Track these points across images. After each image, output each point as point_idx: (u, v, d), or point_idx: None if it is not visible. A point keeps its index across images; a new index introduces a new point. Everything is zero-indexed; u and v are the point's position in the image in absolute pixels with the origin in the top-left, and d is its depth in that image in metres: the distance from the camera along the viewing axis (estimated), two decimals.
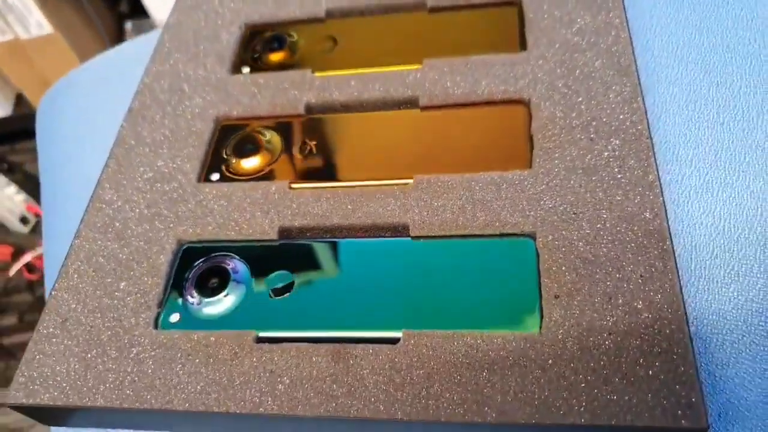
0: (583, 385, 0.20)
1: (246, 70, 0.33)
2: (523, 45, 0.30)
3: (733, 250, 0.24)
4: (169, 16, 0.36)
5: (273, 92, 0.31)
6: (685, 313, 0.21)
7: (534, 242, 0.24)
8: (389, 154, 0.28)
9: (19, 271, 0.91)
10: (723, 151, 0.27)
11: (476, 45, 0.31)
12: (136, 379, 0.23)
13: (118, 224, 0.28)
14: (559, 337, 0.21)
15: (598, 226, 0.24)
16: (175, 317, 0.25)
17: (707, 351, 0.23)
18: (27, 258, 0.88)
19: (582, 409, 0.20)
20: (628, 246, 0.23)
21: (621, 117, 0.26)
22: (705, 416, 0.19)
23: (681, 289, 0.22)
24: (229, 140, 0.30)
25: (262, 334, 0.24)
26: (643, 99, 0.27)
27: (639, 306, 0.21)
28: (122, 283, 0.26)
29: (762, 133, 0.27)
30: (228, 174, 0.29)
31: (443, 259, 0.24)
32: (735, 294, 0.23)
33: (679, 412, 0.19)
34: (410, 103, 0.30)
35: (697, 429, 0.19)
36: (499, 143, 0.27)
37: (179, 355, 0.24)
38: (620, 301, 0.22)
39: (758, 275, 0.24)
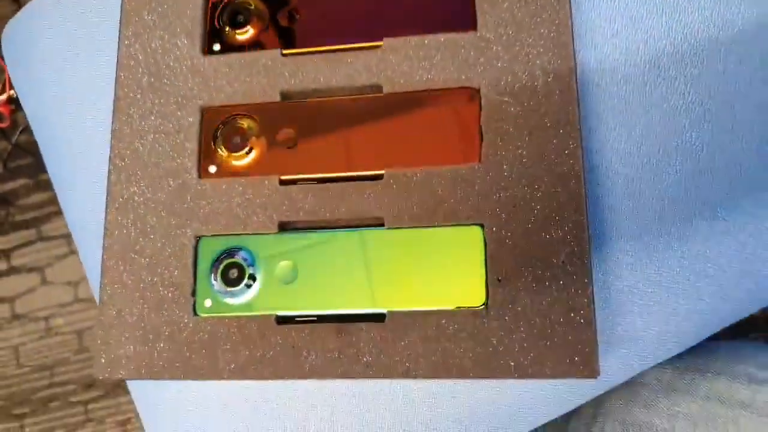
0: (516, 349, 0.29)
1: (217, 47, 0.35)
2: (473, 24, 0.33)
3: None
4: None
5: (246, 76, 0.34)
6: (592, 293, 0.29)
7: (482, 231, 0.31)
8: (358, 144, 0.33)
9: None
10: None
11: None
12: (191, 357, 0.31)
13: (138, 222, 0.33)
14: (501, 313, 0.30)
15: (532, 218, 0.30)
16: (207, 303, 0.32)
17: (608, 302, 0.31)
18: None
19: (514, 366, 0.29)
20: (555, 236, 0.30)
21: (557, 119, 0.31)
22: (597, 368, 0.28)
23: (591, 274, 0.29)
24: (218, 132, 0.34)
25: (280, 313, 0.31)
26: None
27: (561, 284, 0.29)
28: (155, 278, 0.33)
29: None
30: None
31: (411, 247, 0.31)
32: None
33: (581, 367, 0.28)
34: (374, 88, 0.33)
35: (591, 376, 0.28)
36: (453, 134, 0.32)
37: (218, 336, 0.31)
38: (546, 283, 0.30)
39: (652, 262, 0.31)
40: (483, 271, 0.30)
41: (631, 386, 0.38)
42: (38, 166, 1.13)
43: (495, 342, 0.29)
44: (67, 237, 1.08)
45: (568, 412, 0.34)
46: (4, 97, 0.93)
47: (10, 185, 1.17)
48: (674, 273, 0.32)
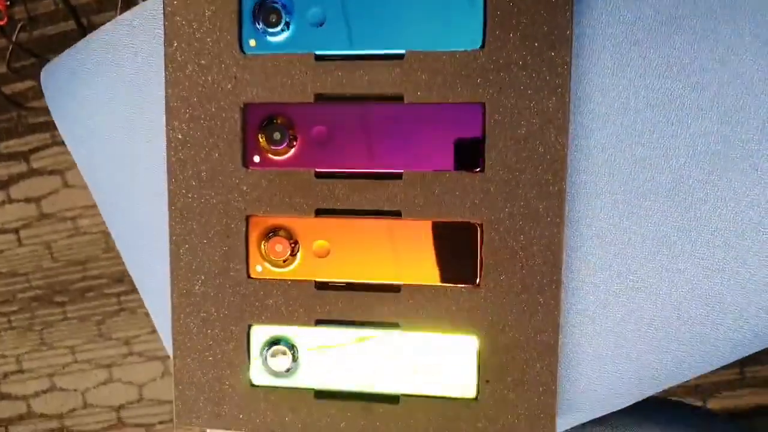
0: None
1: (257, 159, 0.40)
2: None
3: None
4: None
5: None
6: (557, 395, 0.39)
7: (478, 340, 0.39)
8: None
9: None
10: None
11: None
12: (248, 415, 0.42)
13: (201, 312, 0.41)
14: (488, 404, 0.39)
15: (514, 334, 0.39)
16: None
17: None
18: None
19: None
20: (530, 354, 0.39)
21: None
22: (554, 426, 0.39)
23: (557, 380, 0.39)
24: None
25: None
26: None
27: (533, 390, 0.39)
28: (211, 342, 0.42)
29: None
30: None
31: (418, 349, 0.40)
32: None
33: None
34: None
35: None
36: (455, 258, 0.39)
37: (269, 401, 0.41)
38: (525, 387, 0.39)
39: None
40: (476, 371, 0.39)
41: None
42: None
43: (480, 426, 0.40)
44: None
45: None
46: None
47: (18, 86, 1.19)
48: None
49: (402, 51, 0.38)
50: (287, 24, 0.39)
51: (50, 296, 1.19)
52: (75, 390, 1.20)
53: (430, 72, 0.38)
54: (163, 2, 0.40)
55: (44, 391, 1.23)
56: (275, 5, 0.39)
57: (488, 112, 0.38)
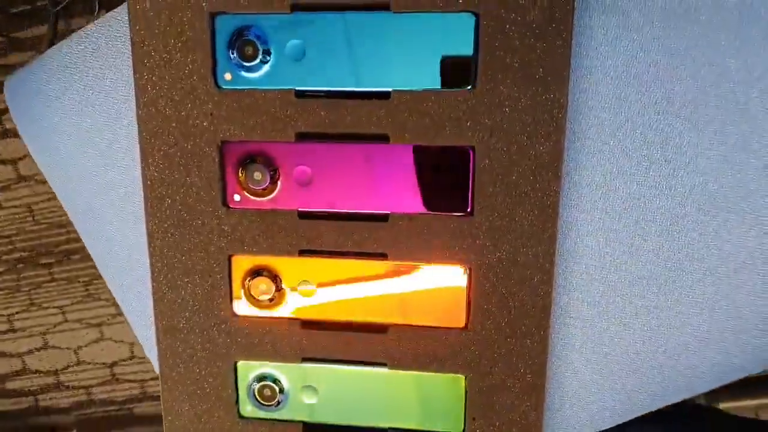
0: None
1: (237, 198, 0.39)
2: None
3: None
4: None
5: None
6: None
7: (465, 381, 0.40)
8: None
9: None
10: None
11: None
12: None
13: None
14: None
15: (499, 374, 0.39)
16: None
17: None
18: None
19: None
20: (516, 390, 0.39)
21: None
22: None
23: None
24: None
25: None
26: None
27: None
28: (198, 378, 0.42)
29: None
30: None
31: (408, 389, 0.40)
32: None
33: None
34: None
35: None
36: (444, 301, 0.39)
37: None
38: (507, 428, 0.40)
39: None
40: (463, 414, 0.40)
41: None
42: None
43: None
44: None
45: None
46: None
47: None
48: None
49: (388, 89, 0.36)
50: (265, 57, 0.36)
51: (35, 258, 1.18)
52: (68, 348, 1.22)
53: (418, 113, 0.36)
54: (130, 30, 0.37)
55: (38, 349, 1.24)
56: (251, 38, 0.36)
57: (478, 156, 0.36)
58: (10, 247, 1.18)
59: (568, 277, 0.39)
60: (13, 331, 1.24)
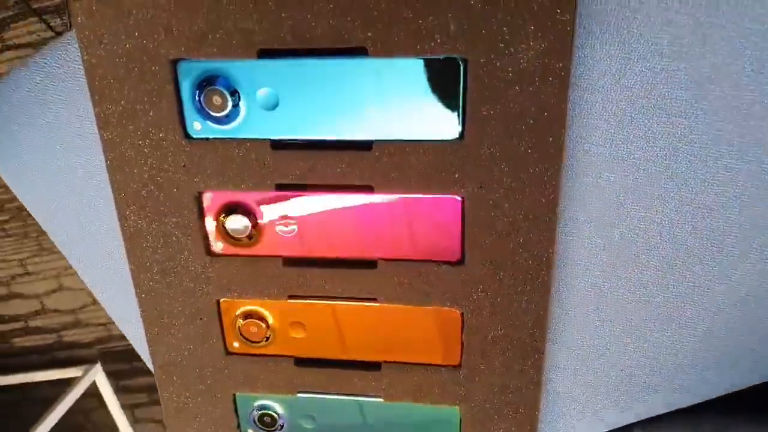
0: None
1: (220, 246, 0.38)
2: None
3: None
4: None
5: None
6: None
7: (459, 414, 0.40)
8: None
9: None
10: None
11: None
12: None
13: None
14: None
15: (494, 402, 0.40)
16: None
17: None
18: None
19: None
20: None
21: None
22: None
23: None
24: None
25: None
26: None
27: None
28: (199, 409, 0.43)
29: None
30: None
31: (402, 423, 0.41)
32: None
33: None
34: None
35: None
36: (438, 338, 0.38)
37: None
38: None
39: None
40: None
41: None
42: None
43: None
44: None
45: None
46: None
47: None
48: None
49: (369, 139, 0.33)
50: (235, 106, 0.33)
51: None
52: (82, 289, 1.25)
53: (402, 164, 0.33)
54: (87, 82, 0.34)
55: (53, 291, 1.28)
56: (218, 87, 0.33)
57: (468, 207, 0.34)
58: (12, 195, 1.18)
59: (561, 307, 0.39)
60: (28, 274, 1.27)
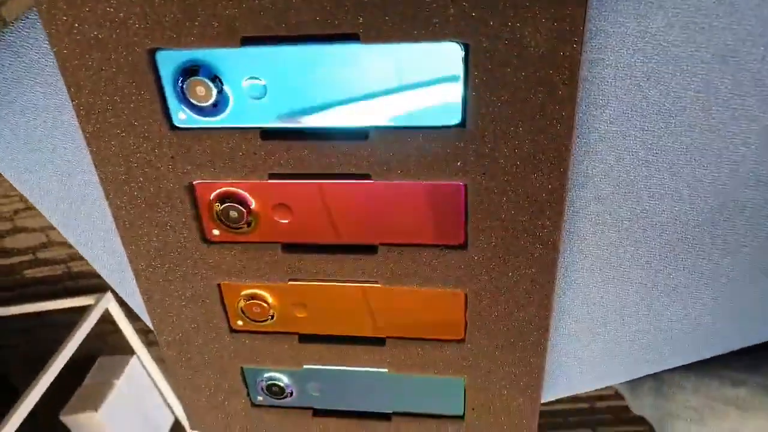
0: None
1: (217, 232, 0.37)
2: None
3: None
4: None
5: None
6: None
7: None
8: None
9: None
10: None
11: None
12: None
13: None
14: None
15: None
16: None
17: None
18: None
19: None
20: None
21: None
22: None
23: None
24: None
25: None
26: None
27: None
28: (209, 381, 0.44)
29: None
30: None
31: None
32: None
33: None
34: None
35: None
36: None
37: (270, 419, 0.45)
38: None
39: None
40: None
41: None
42: None
43: None
44: None
45: None
46: None
47: None
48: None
49: (365, 126, 0.31)
50: (220, 96, 0.31)
51: None
52: None
53: (401, 152, 0.32)
54: (62, 76, 0.32)
55: None
56: (200, 77, 0.31)
57: (471, 193, 0.33)
58: None
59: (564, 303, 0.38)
60: (30, 208, 1.26)
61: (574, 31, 0.27)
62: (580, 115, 0.32)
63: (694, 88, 0.31)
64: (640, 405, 0.66)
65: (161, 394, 1.52)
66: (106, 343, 1.48)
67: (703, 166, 0.33)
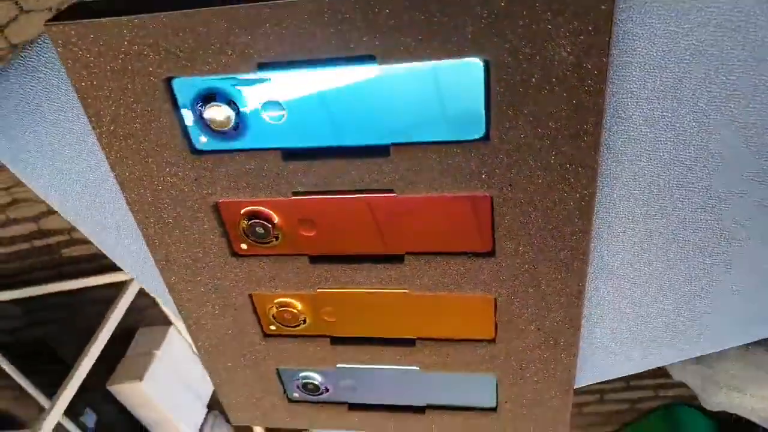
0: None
1: (245, 246, 0.37)
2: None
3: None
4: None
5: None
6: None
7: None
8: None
9: None
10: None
11: None
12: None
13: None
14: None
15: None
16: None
17: None
18: None
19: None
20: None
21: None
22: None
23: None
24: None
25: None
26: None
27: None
28: (246, 380, 0.45)
29: None
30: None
31: None
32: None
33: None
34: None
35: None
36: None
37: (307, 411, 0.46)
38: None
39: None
40: None
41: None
42: None
43: None
44: None
45: None
46: None
47: None
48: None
49: (386, 143, 0.31)
50: (239, 121, 0.31)
51: None
52: None
53: (424, 167, 0.31)
54: (83, 107, 0.32)
55: None
56: (218, 103, 0.30)
57: (497, 205, 0.32)
58: None
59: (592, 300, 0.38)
60: None
61: (600, 43, 0.26)
62: (608, 117, 0.31)
63: (730, 87, 0.30)
64: (682, 371, 0.66)
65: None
66: (145, 317, 1.52)
67: (740, 163, 0.32)
